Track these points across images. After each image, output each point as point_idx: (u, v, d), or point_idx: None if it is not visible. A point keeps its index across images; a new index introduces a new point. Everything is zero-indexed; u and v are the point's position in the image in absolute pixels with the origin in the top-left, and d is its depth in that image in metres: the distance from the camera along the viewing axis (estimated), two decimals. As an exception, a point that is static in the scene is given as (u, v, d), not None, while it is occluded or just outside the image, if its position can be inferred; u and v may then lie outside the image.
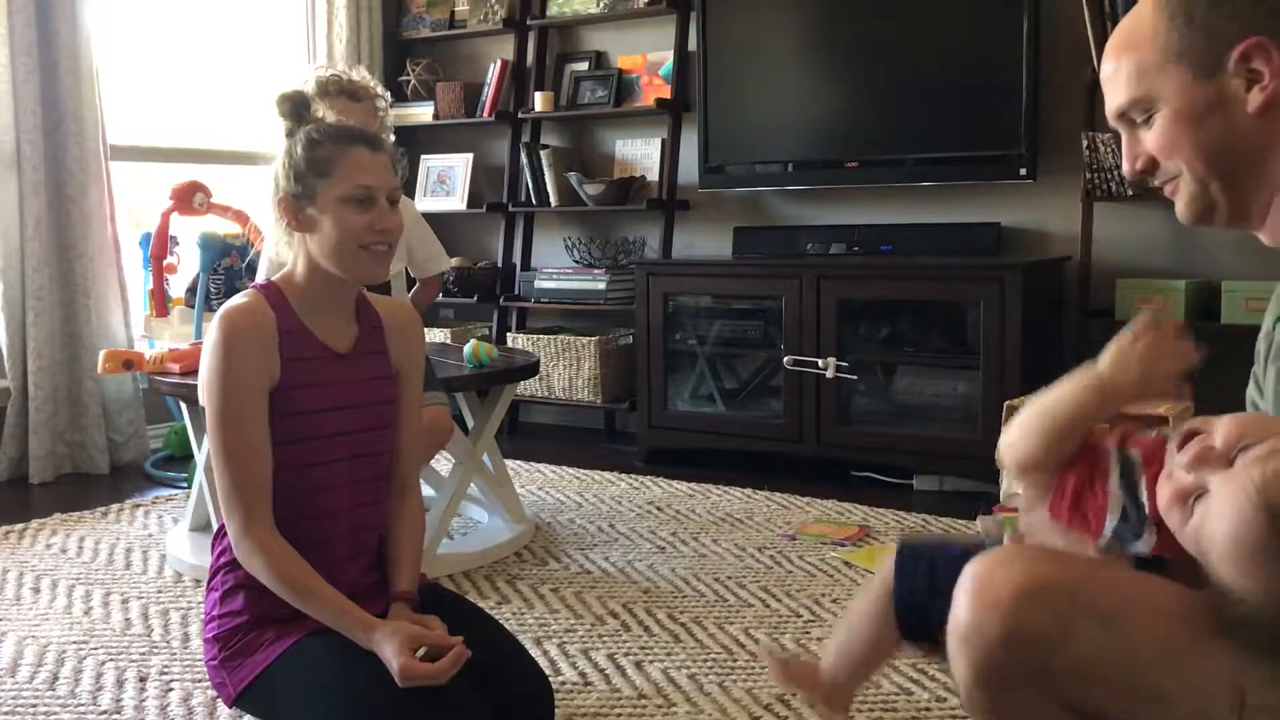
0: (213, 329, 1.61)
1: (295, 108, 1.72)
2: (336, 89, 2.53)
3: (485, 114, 4.72)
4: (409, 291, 3.04)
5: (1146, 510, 1.12)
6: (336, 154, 1.64)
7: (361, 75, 2.63)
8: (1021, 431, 1.24)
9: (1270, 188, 1.15)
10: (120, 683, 2.11)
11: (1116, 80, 1.20)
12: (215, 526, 1.72)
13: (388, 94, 2.73)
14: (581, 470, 3.82)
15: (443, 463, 3.44)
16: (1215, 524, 0.97)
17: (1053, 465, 1.22)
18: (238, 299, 1.66)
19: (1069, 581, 1.00)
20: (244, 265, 3.96)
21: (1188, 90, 1.14)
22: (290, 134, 1.70)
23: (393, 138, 2.80)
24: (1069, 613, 0.99)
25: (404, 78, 4.86)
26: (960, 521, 3.12)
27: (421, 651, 1.55)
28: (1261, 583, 0.94)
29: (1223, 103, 1.13)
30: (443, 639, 1.57)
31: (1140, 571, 1.08)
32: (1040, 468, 1.24)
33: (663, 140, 4.38)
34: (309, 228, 1.65)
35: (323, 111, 1.75)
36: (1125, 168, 1.23)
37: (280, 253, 1.73)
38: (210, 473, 2.46)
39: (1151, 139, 1.18)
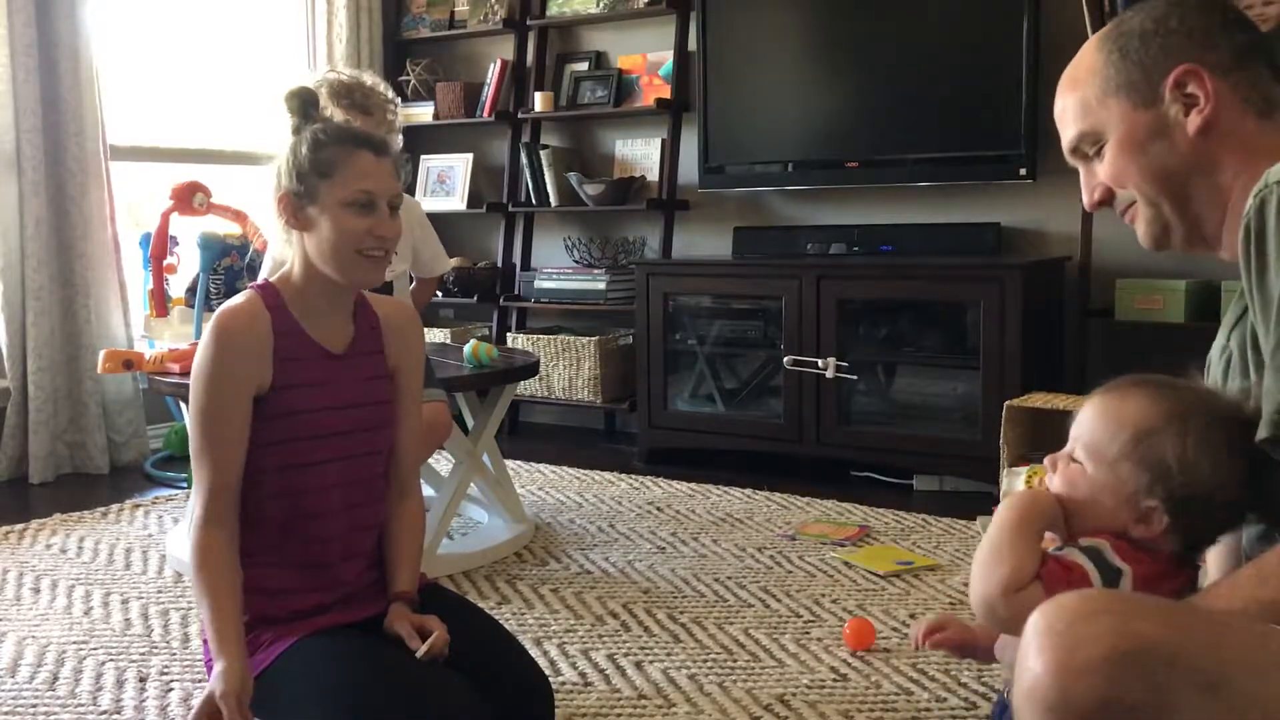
0: (208, 328, 1.62)
1: (303, 104, 1.71)
2: (349, 101, 2.52)
3: (485, 114, 4.72)
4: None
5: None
6: (340, 156, 1.64)
7: (374, 82, 2.62)
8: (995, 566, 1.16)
9: (1220, 206, 1.20)
10: (120, 683, 2.11)
11: (1066, 118, 1.27)
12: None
13: (398, 100, 2.72)
14: (581, 470, 3.82)
15: (443, 463, 3.44)
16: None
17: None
18: (234, 300, 1.66)
19: (1166, 640, 0.89)
20: (244, 265, 3.96)
21: (1130, 119, 1.21)
22: (296, 131, 1.69)
23: (401, 141, 2.79)
24: (1169, 679, 0.88)
25: (404, 78, 4.86)
26: (960, 521, 3.12)
27: (422, 649, 1.55)
28: None
29: (1164, 128, 1.20)
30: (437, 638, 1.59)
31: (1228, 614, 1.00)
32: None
33: (663, 140, 4.38)
34: (307, 227, 1.65)
35: (330, 111, 1.75)
36: (1085, 200, 1.30)
37: (281, 251, 1.74)
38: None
39: (1103, 169, 1.24)
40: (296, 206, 1.64)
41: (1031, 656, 0.92)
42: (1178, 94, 1.18)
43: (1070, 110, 1.26)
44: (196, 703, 1.52)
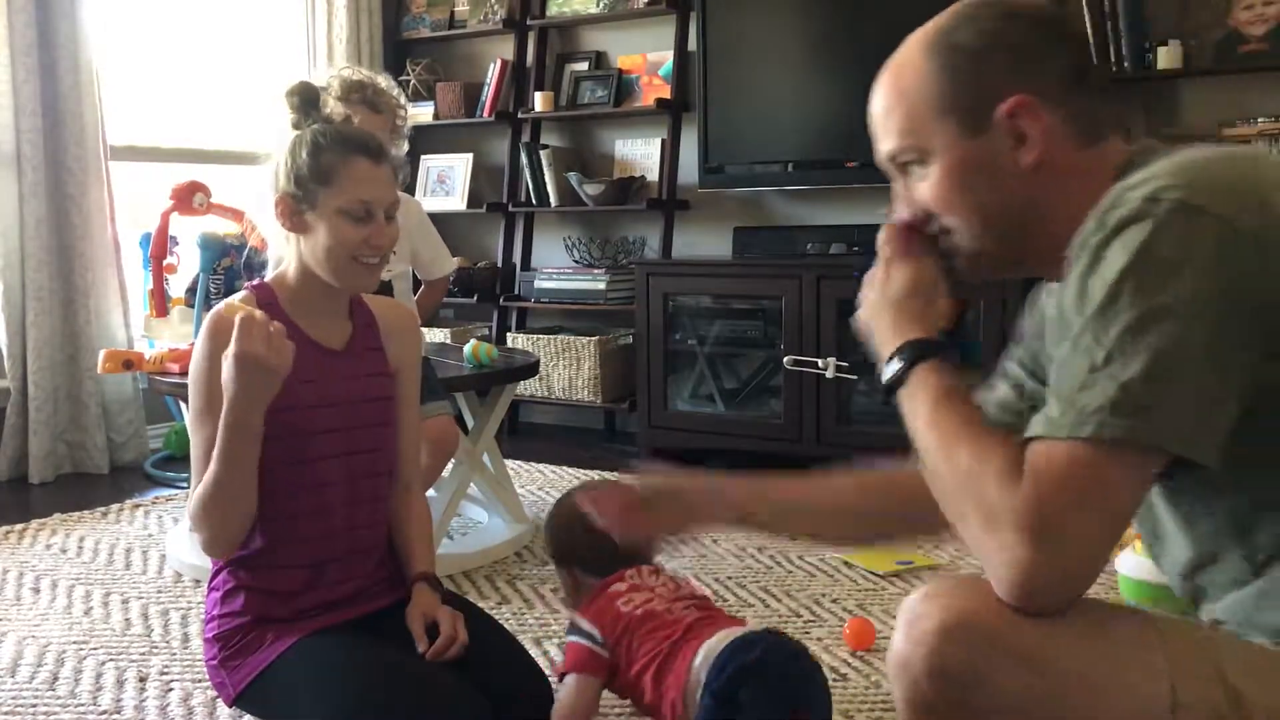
0: (202, 330, 1.62)
1: (304, 102, 1.71)
2: (359, 96, 2.52)
3: (485, 114, 4.72)
4: (414, 294, 3.03)
5: None
6: (339, 163, 1.63)
7: (388, 84, 2.61)
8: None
9: (1050, 236, 1.13)
10: (120, 683, 2.11)
11: (888, 125, 1.19)
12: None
13: (406, 103, 2.71)
14: (581, 470, 3.82)
15: (443, 463, 3.44)
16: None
17: None
18: (228, 300, 1.67)
19: (983, 618, 1.00)
20: (242, 263, 3.96)
21: (958, 147, 1.13)
22: (296, 128, 1.69)
23: (407, 147, 2.79)
24: (989, 651, 0.99)
25: (404, 78, 4.86)
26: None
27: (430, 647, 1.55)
28: None
29: (992, 160, 1.12)
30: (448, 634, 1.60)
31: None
32: None
33: (663, 140, 4.38)
34: (303, 230, 1.65)
35: (331, 107, 1.74)
36: (898, 214, 1.22)
37: (280, 250, 1.73)
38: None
39: (925, 192, 1.17)
40: (293, 210, 1.64)
41: (897, 627, 1.07)
42: (1009, 125, 1.11)
43: (894, 120, 1.18)
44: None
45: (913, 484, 1.25)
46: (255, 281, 1.70)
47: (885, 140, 1.20)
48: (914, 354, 1.15)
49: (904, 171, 1.20)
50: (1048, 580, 0.97)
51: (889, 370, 1.17)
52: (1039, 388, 1.29)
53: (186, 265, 4.09)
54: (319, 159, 1.63)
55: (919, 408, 1.12)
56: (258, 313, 1.51)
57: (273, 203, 1.66)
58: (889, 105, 1.19)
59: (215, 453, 1.53)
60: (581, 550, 1.74)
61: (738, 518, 1.45)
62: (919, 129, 1.15)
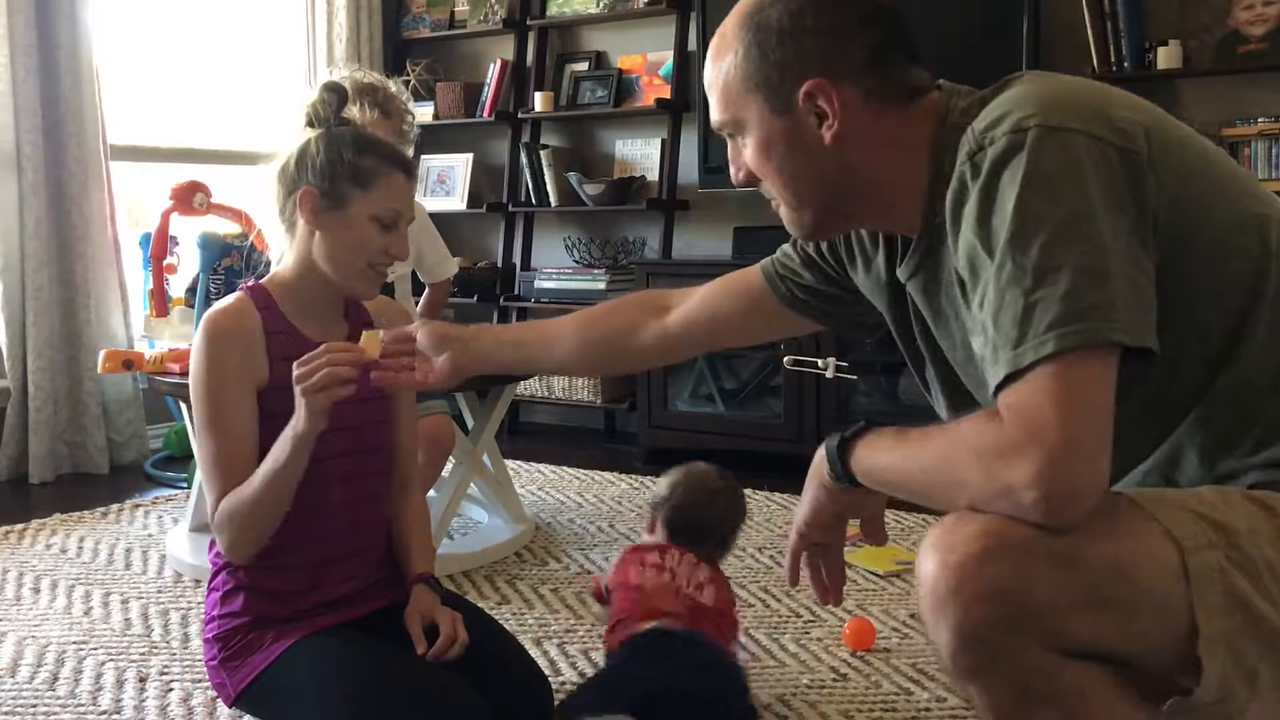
0: (198, 333, 1.61)
1: (340, 102, 1.70)
2: (371, 101, 2.52)
3: (485, 114, 4.72)
4: (418, 296, 3.03)
5: None
6: (379, 170, 1.63)
7: (397, 89, 2.62)
8: None
9: (877, 197, 1.23)
10: (120, 683, 2.11)
11: (711, 97, 1.26)
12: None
13: (414, 110, 2.72)
14: (581, 470, 3.82)
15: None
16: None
17: None
18: (222, 302, 1.66)
19: (1014, 533, 1.03)
20: (243, 263, 3.96)
21: (767, 123, 1.20)
22: (315, 125, 1.67)
23: (413, 151, 2.79)
24: (1028, 560, 1.02)
25: (404, 78, 4.86)
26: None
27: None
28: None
29: (800, 136, 1.19)
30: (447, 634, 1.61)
31: None
32: None
33: (663, 140, 4.38)
34: (323, 229, 1.63)
35: (355, 113, 1.73)
36: (732, 176, 1.29)
37: (279, 247, 1.73)
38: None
39: (747, 159, 1.25)
40: (319, 206, 1.62)
41: (925, 566, 1.07)
42: (809, 105, 1.18)
43: (714, 93, 1.25)
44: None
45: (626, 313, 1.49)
46: (250, 283, 1.70)
47: (712, 110, 1.27)
48: (840, 437, 1.23)
49: (731, 138, 1.27)
50: (1064, 493, 0.99)
51: (832, 455, 1.24)
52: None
53: (186, 265, 4.09)
54: (360, 162, 1.62)
55: (879, 458, 1.18)
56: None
57: (297, 194, 1.62)
58: (711, 78, 1.26)
59: (269, 471, 1.53)
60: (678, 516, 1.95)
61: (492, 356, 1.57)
62: (734, 103, 1.23)
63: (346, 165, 1.62)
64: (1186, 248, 1.09)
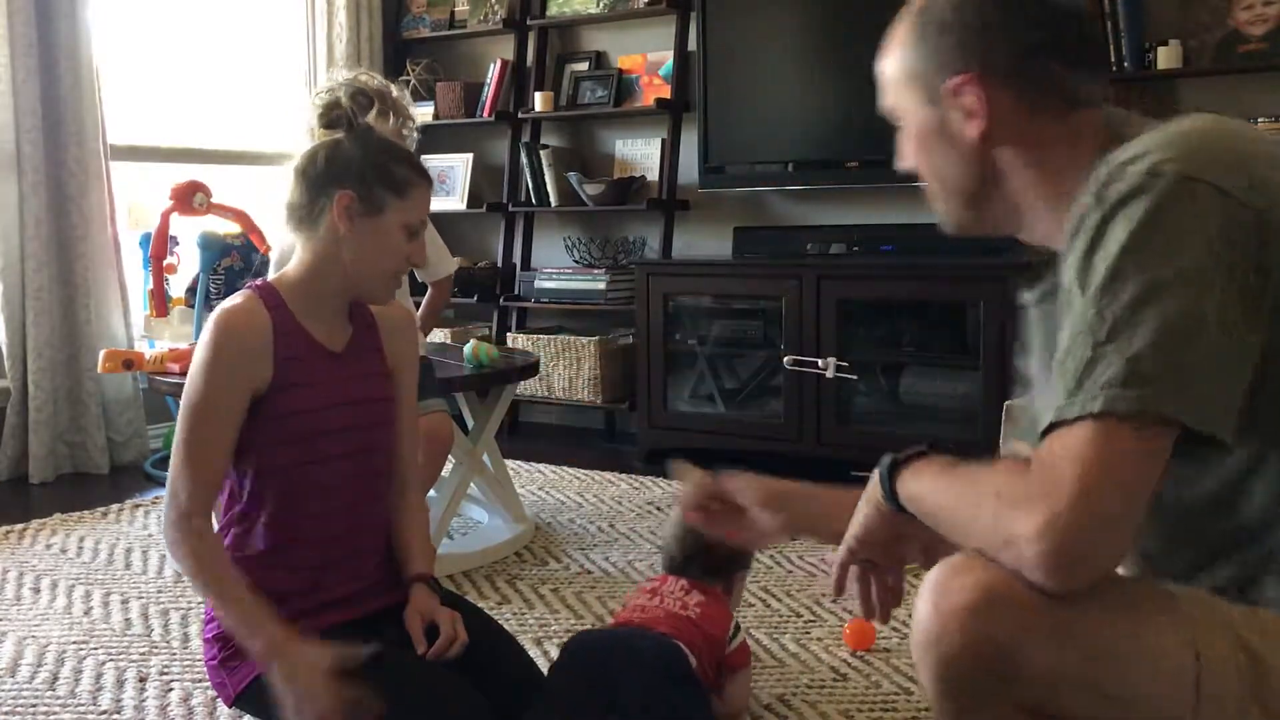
0: (208, 327, 1.61)
1: (367, 107, 1.70)
2: (384, 106, 2.52)
3: (485, 114, 4.72)
4: (416, 295, 3.03)
5: None
6: (413, 180, 1.65)
7: (400, 94, 2.62)
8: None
9: (1015, 205, 1.19)
10: (120, 683, 2.11)
11: (881, 84, 1.26)
12: (215, 527, 1.72)
13: (415, 116, 2.71)
14: (581, 470, 3.82)
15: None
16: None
17: None
18: (234, 299, 1.65)
19: (1013, 592, 0.99)
20: (244, 265, 3.96)
21: (919, 114, 1.20)
22: (333, 128, 1.67)
23: None
24: (1022, 621, 0.99)
25: (404, 78, 4.86)
26: (960, 521, 3.12)
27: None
28: None
29: (947, 130, 1.18)
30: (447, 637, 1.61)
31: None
32: None
33: (663, 140, 4.38)
34: (355, 232, 1.62)
35: (369, 119, 1.73)
36: (896, 163, 1.29)
37: (285, 248, 1.73)
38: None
39: (905, 150, 1.25)
40: (356, 210, 1.62)
41: (920, 607, 1.05)
42: (956, 99, 1.15)
43: (882, 81, 1.25)
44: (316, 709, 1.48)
45: None
46: (258, 282, 1.70)
47: (882, 97, 1.26)
48: (893, 458, 1.20)
49: (896, 127, 1.26)
50: (1065, 555, 0.95)
51: (882, 474, 1.21)
52: None
53: (186, 265, 4.09)
54: (397, 170, 1.63)
55: (920, 484, 1.15)
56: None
57: (331, 197, 1.61)
58: (881, 66, 1.25)
59: (225, 599, 1.55)
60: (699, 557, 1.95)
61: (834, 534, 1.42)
62: (894, 92, 1.23)
63: (387, 173, 1.63)
64: None
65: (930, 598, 1.04)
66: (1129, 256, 0.97)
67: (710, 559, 1.94)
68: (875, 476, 1.22)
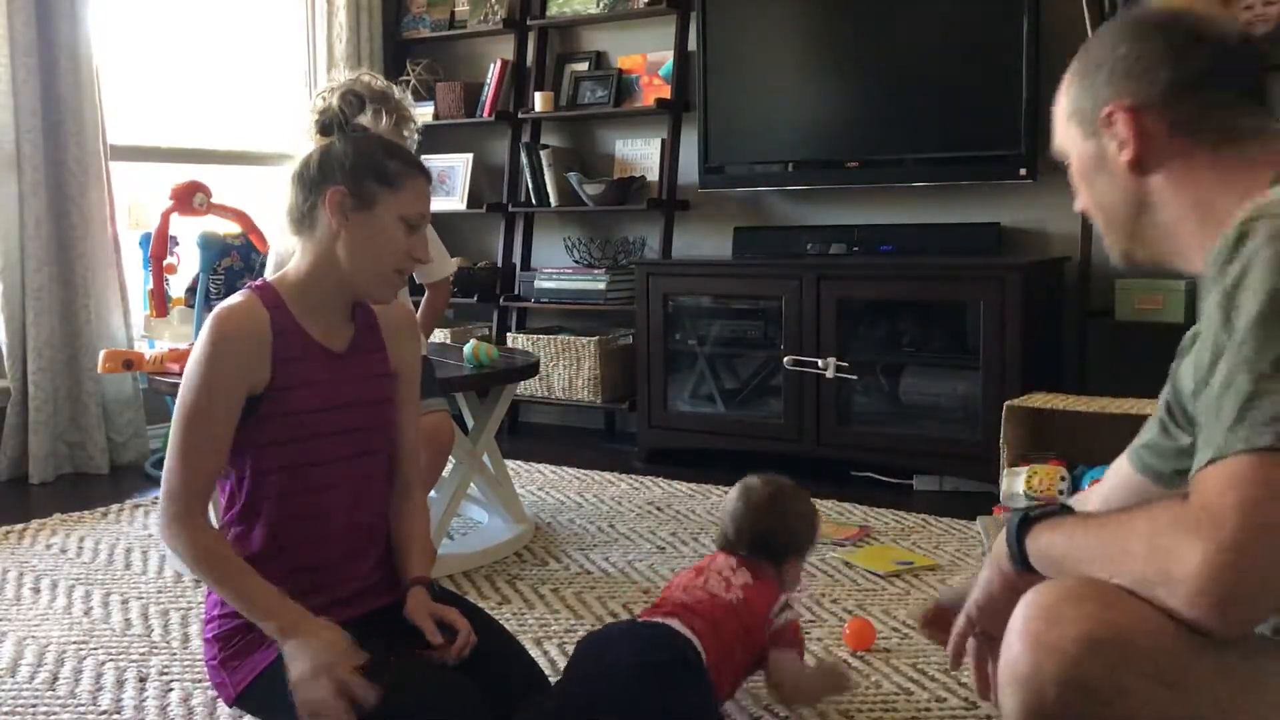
0: (205, 327, 1.61)
1: (359, 108, 1.71)
2: (383, 108, 2.51)
3: (485, 114, 4.72)
4: (415, 297, 3.02)
5: None
6: (406, 173, 1.65)
7: (401, 96, 2.62)
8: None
9: (1172, 236, 1.20)
10: (120, 683, 2.11)
11: (1054, 128, 1.31)
12: (216, 526, 1.72)
13: (417, 117, 2.71)
14: (581, 470, 3.82)
15: (443, 463, 3.44)
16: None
17: None
18: (232, 299, 1.65)
19: (1131, 633, 0.95)
20: (244, 265, 3.96)
21: (1079, 147, 1.25)
22: (327, 131, 1.67)
23: None
24: (1126, 668, 0.95)
25: (404, 78, 4.86)
26: (960, 521, 3.12)
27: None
28: None
29: (1103, 161, 1.22)
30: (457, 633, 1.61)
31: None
32: None
33: (663, 140, 4.38)
34: (350, 229, 1.63)
35: (367, 120, 1.73)
36: (1075, 205, 1.33)
37: (284, 249, 1.73)
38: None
39: (1076, 187, 1.29)
40: (349, 206, 1.62)
41: (1014, 632, 1.00)
42: (1110, 130, 1.19)
43: (1054, 122, 1.30)
44: (333, 684, 1.48)
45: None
46: (259, 281, 1.70)
47: (1053, 140, 1.32)
48: (1023, 515, 1.17)
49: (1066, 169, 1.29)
50: (1225, 593, 0.91)
51: (1011, 532, 1.18)
52: (1178, 430, 1.29)
53: (186, 265, 4.09)
54: (389, 164, 1.64)
55: (1055, 536, 1.11)
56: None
57: (323, 194, 1.62)
58: (1053, 110, 1.31)
59: (239, 593, 1.56)
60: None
61: None
62: (1062, 130, 1.28)
63: (376, 167, 1.63)
64: None
65: (1030, 627, 0.99)
66: None
67: (764, 541, 1.93)
68: (1002, 535, 1.19)
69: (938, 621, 1.48)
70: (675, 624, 1.74)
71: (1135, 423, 1.52)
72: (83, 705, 2.02)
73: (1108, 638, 0.95)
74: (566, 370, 4.36)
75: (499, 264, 4.76)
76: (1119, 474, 1.43)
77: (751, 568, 1.90)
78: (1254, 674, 0.97)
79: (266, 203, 4.13)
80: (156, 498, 3.51)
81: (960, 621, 1.29)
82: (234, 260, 3.97)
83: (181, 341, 3.72)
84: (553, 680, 1.74)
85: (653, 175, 4.44)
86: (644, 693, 1.64)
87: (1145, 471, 1.37)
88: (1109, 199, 1.23)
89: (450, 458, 2.85)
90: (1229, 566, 0.91)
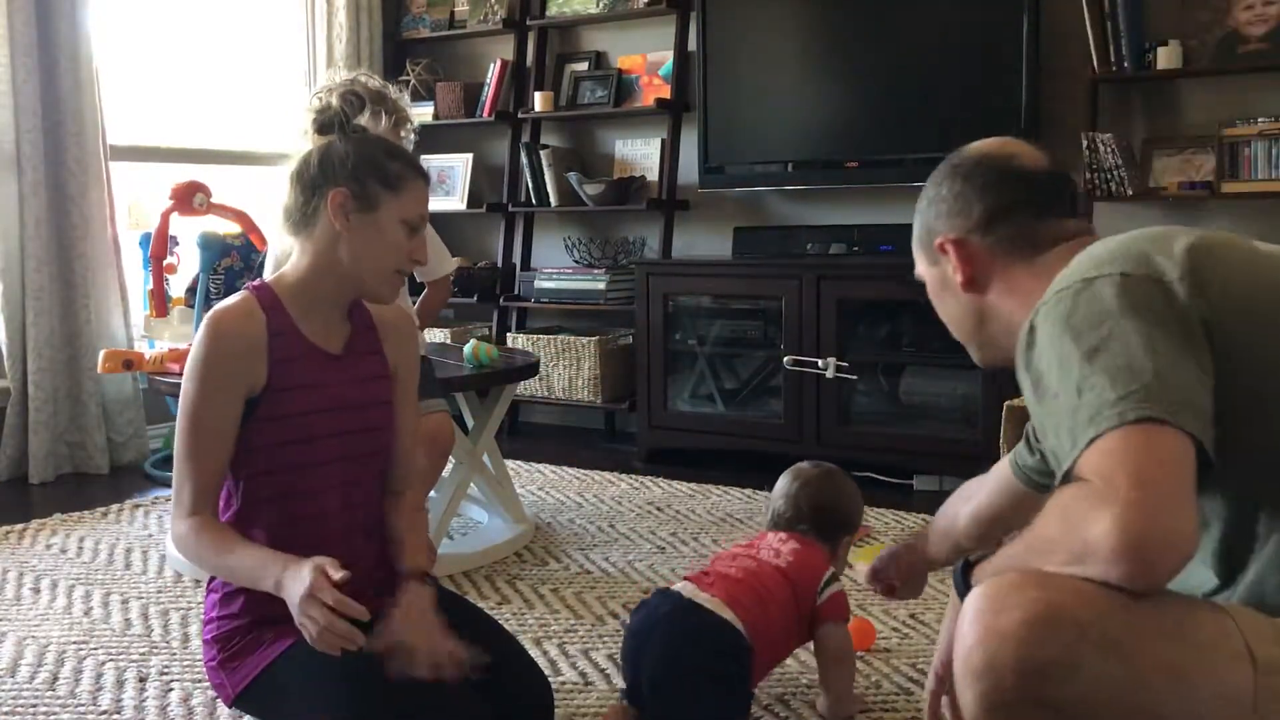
0: (200, 329, 1.61)
1: (361, 105, 1.71)
2: (382, 108, 2.52)
3: (485, 114, 4.72)
4: (415, 295, 3.02)
5: None
6: (407, 176, 1.65)
7: (398, 96, 2.62)
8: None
9: (999, 338, 1.38)
10: (120, 683, 2.11)
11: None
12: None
13: (414, 118, 2.71)
14: (581, 470, 3.82)
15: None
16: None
17: None
18: (228, 301, 1.65)
19: (1073, 608, 1.01)
20: (244, 265, 3.96)
21: (928, 273, 1.46)
22: (326, 132, 1.67)
23: None
24: (1078, 642, 1.00)
25: (404, 78, 4.86)
26: (960, 521, 3.12)
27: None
28: None
29: (946, 283, 1.42)
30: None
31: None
32: None
33: (662, 140, 4.38)
34: (351, 230, 1.62)
35: (365, 120, 1.72)
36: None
37: (283, 249, 1.72)
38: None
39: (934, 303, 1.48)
40: (351, 207, 1.62)
41: (966, 627, 1.07)
42: (945, 258, 1.39)
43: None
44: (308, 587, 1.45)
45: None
46: (256, 282, 1.70)
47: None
48: (965, 560, 1.29)
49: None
50: (1144, 542, 0.98)
51: (956, 577, 1.29)
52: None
53: (186, 265, 4.09)
54: (390, 165, 1.64)
55: (996, 560, 1.20)
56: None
57: (324, 196, 1.61)
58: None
59: (238, 568, 1.57)
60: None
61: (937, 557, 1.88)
62: (916, 256, 1.48)
63: (378, 169, 1.63)
64: (1250, 366, 1.12)
65: (978, 618, 1.05)
66: (1063, 338, 1.12)
67: (822, 515, 2.01)
68: (953, 587, 1.29)
69: (878, 577, 1.90)
70: (722, 610, 1.76)
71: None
72: (83, 705, 2.02)
73: (1053, 616, 1.01)
74: (566, 370, 4.36)
75: (499, 264, 4.76)
76: (999, 476, 1.72)
77: (800, 539, 1.96)
78: (1191, 628, 1.04)
79: (266, 203, 4.14)
80: (157, 498, 3.51)
81: (930, 681, 1.41)
82: (234, 260, 3.97)
83: (181, 341, 3.71)
84: (552, 680, 1.74)
85: (652, 175, 4.44)
86: (676, 700, 1.73)
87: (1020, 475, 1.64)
88: (956, 314, 1.43)
89: (450, 458, 2.85)
90: (1134, 520, 0.98)
